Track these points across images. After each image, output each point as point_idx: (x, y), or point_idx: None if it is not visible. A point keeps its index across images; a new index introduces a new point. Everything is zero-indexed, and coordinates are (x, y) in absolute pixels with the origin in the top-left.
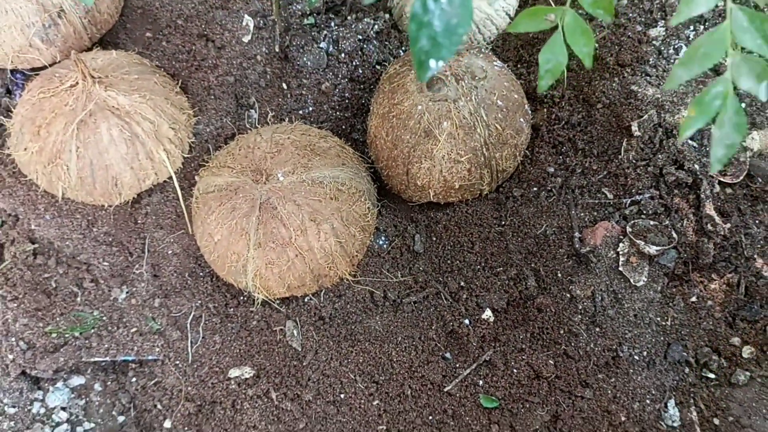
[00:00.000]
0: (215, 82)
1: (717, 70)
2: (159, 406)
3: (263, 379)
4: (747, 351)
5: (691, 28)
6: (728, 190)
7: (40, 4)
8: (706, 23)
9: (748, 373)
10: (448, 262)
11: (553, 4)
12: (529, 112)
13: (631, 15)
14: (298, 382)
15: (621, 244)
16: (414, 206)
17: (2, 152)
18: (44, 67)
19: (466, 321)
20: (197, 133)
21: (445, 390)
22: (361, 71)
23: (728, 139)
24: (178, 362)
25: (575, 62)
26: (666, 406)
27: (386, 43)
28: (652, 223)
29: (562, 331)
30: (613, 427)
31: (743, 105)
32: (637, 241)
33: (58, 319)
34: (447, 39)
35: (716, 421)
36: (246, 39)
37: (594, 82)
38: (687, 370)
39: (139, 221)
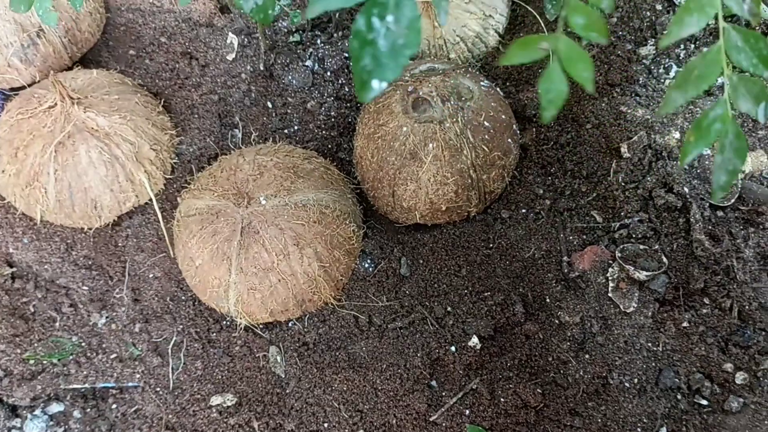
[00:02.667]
0: (199, 101)
1: (708, 91)
2: None
3: (245, 407)
4: (740, 377)
5: (682, 47)
6: (719, 213)
7: (19, 24)
8: (697, 42)
9: (741, 400)
10: (435, 286)
11: (542, 23)
12: (518, 132)
13: (620, 33)
14: (281, 410)
15: (610, 269)
16: (400, 228)
17: None
18: (23, 87)
19: (452, 348)
20: (180, 153)
21: (431, 420)
22: (347, 89)
23: (730, 165)
24: (158, 389)
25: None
26: None
27: None
28: (641, 247)
29: (550, 359)
30: None
31: None
32: (627, 267)
33: (36, 345)
34: (392, 60)
35: None
36: (230, 57)
37: (583, 102)
38: (679, 396)
39: (119, 244)
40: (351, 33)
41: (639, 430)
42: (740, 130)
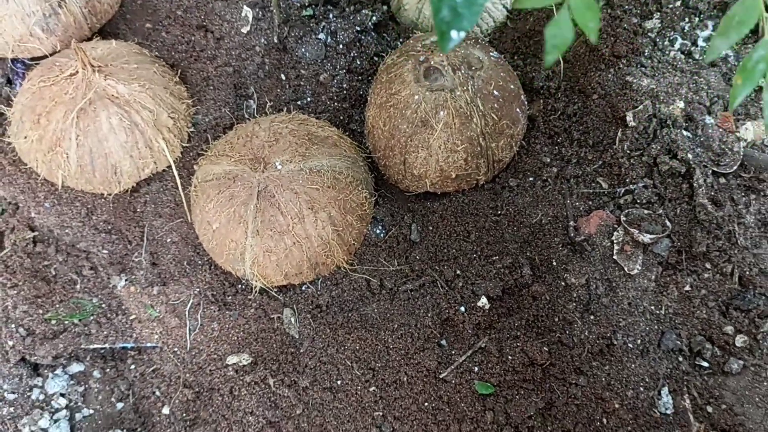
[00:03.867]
0: (214, 73)
1: (713, 63)
2: (157, 393)
3: (260, 366)
4: (740, 340)
5: (686, 20)
6: (722, 180)
7: None
8: (701, 15)
9: (741, 362)
10: (444, 251)
11: None
12: (526, 102)
13: (626, 7)
14: (295, 368)
15: (615, 233)
16: (411, 196)
17: (2, 140)
18: (44, 57)
19: (462, 308)
20: (196, 123)
21: (441, 377)
22: (359, 62)
23: None
24: (176, 349)
25: (571, 53)
26: (659, 394)
27: (384, 34)
28: (646, 212)
29: (556, 319)
30: (606, 414)
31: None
32: (631, 230)
33: (57, 306)
34: (467, 9)
35: (709, 409)
36: (245, 30)
37: (589, 73)
38: (680, 358)
39: (138, 209)
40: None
41: (641, 389)
42: None
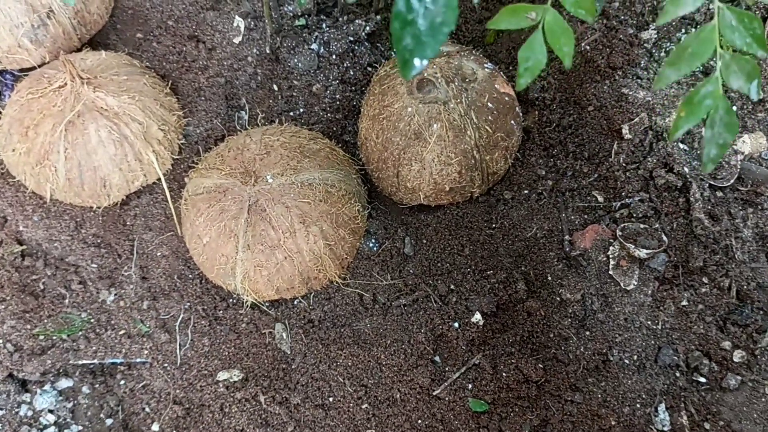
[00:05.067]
0: (205, 84)
1: (707, 73)
2: (147, 409)
3: (252, 382)
4: (738, 355)
5: (683, 30)
6: (719, 194)
7: (29, 4)
8: (697, 26)
9: (739, 378)
10: (438, 265)
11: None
12: (520, 114)
13: (622, 17)
14: (287, 385)
15: (611, 248)
16: (404, 209)
17: None
18: (33, 68)
19: (456, 324)
20: (187, 135)
21: (434, 394)
22: (352, 73)
23: (720, 139)
24: (166, 365)
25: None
26: (656, 411)
27: (377, 44)
28: (642, 226)
29: (551, 335)
30: (603, 431)
31: (735, 108)
32: (627, 245)
33: (45, 321)
34: (431, 38)
35: (707, 426)
36: (237, 40)
37: (585, 85)
38: (678, 374)
39: (127, 223)
40: (392, 15)
41: (638, 405)
42: (730, 106)
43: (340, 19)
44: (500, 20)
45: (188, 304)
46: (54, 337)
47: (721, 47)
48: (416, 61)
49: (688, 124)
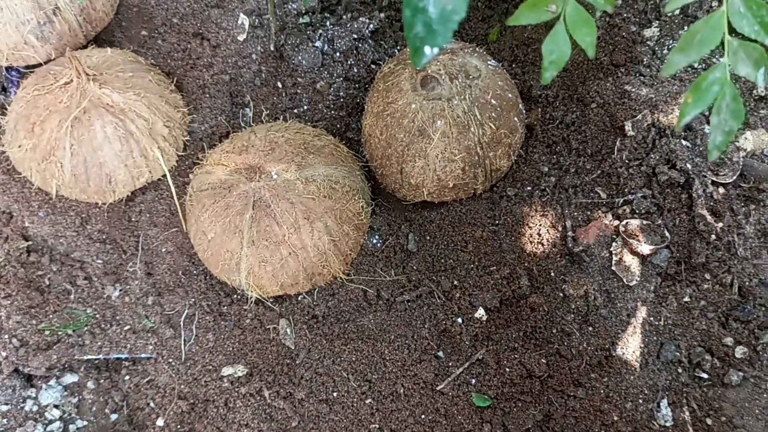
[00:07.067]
0: (210, 81)
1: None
2: (152, 404)
3: (256, 377)
4: (740, 351)
5: (686, 28)
6: (721, 190)
7: (36, 1)
8: None
9: (740, 373)
10: (442, 261)
11: None
12: (524, 111)
13: (625, 15)
14: (291, 380)
15: (614, 244)
16: (408, 205)
17: None
18: (39, 65)
19: (459, 320)
20: (192, 131)
21: (438, 389)
22: (356, 70)
23: (726, 126)
24: (171, 360)
25: (569, 62)
26: (659, 406)
27: (381, 42)
28: (644, 222)
29: (554, 331)
30: (605, 426)
31: None
32: (630, 241)
33: (51, 316)
34: (442, 26)
35: (709, 421)
36: (241, 38)
37: (588, 82)
38: (680, 369)
39: (132, 219)
40: (403, 2)
41: (640, 401)
42: (737, 92)
43: (344, 16)
44: (520, 15)
45: (193, 299)
46: (59, 333)
47: (730, 34)
48: (427, 49)
49: (695, 110)
